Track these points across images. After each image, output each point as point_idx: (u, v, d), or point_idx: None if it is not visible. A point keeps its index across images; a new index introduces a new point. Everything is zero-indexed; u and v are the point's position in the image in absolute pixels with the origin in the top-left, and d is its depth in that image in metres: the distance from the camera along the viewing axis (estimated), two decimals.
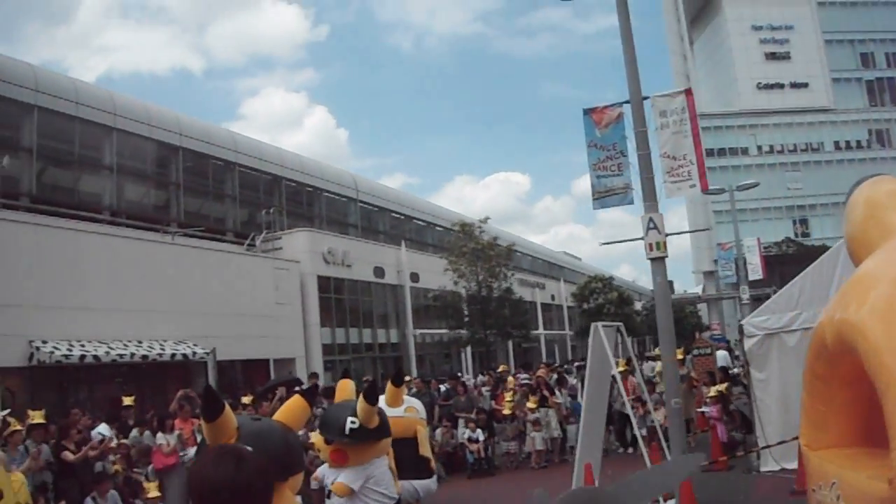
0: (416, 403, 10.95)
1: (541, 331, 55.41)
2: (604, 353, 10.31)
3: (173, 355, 24.37)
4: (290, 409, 4.78)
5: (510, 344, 43.11)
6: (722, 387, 15.50)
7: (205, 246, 29.94)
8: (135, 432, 13.34)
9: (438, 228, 51.37)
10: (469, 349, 36.98)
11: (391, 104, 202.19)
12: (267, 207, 36.18)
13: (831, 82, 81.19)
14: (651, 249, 10.89)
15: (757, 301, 73.37)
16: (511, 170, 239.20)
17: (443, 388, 19.04)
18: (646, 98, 11.45)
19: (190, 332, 25.68)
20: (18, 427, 11.06)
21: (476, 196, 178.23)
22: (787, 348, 12.82)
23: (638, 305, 62.55)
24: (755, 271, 29.51)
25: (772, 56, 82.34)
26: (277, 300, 30.68)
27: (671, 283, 63.90)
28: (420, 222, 51.18)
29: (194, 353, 25.12)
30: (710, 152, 79.61)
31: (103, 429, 13.11)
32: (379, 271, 38.03)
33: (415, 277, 40.66)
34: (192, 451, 12.91)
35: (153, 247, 26.77)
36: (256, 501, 2.51)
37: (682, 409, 11.20)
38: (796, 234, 74.23)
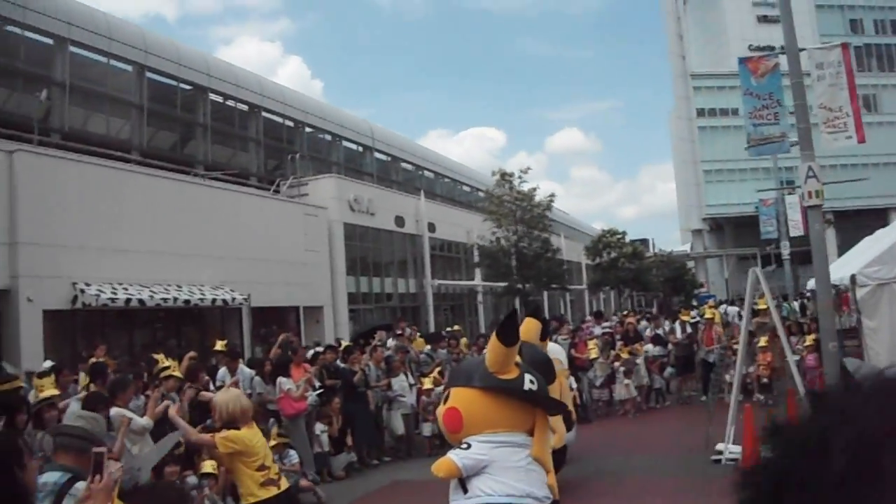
0: (559, 352, 10.45)
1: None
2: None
3: (214, 300, 24.12)
4: (528, 329, 5.94)
5: (545, 295, 43.26)
6: (813, 336, 15.72)
7: (237, 189, 29.56)
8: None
9: (446, 180, 51.39)
10: (518, 299, 36.74)
11: (366, 57, 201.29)
12: (289, 153, 35.90)
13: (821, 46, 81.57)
14: (810, 197, 10.98)
15: (744, 259, 73.68)
16: (486, 125, 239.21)
17: None
18: (802, 50, 11.49)
19: (227, 276, 25.27)
20: (174, 371, 10.79)
21: (450, 150, 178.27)
22: None
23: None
24: (796, 227, 29.64)
25: (764, 19, 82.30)
26: (307, 247, 30.39)
27: (651, 240, 63.88)
28: (431, 173, 51.14)
29: (233, 299, 24.91)
30: (700, 112, 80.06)
31: (223, 374, 12.61)
32: (400, 220, 37.83)
33: (431, 228, 40.53)
34: (314, 395, 12.90)
35: (188, 188, 26.21)
36: None
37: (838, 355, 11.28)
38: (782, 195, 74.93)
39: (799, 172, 11.05)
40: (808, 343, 15.62)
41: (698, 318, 19.47)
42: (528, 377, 4.79)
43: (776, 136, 11.70)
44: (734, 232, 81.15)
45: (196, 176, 29.15)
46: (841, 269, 17.83)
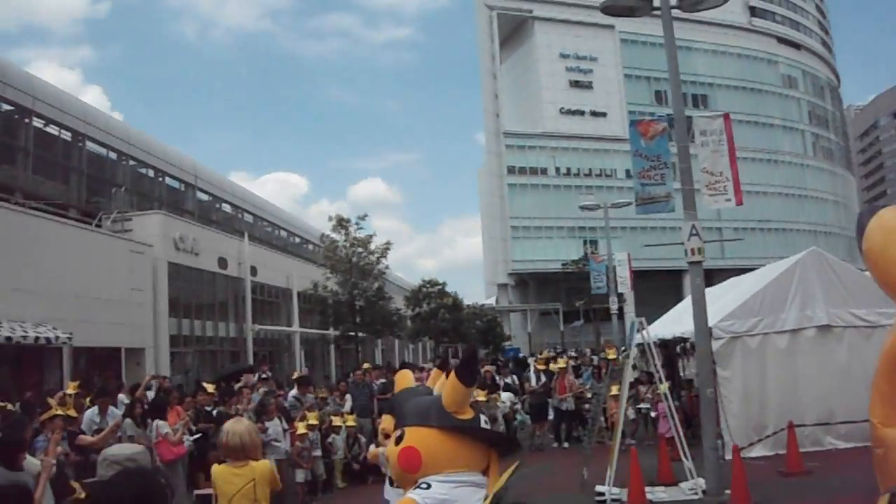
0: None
1: None
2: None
3: (36, 339, 22.61)
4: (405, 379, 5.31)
5: (396, 343, 43.02)
6: (666, 385, 16.43)
7: (61, 221, 28.01)
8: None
9: (265, 223, 50.66)
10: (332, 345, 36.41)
11: (170, 92, 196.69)
12: (112, 187, 34.43)
13: (627, 114, 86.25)
14: (693, 254, 11.58)
15: (545, 315, 75.97)
16: (289, 170, 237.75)
17: (377, 382, 18.90)
18: (688, 117, 12.19)
19: (48, 314, 23.68)
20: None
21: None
22: (749, 350, 14.49)
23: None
24: (624, 284, 30.99)
25: (576, 84, 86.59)
26: (132, 285, 29.11)
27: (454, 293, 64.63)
28: (251, 216, 50.20)
29: (57, 338, 23.38)
30: (511, 170, 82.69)
31: (92, 414, 11.92)
32: (223, 262, 36.87)
33: (253, 271, 39.71)
34: (190, 439, 12.34)
35: (7, 216, 24.30)
36: None
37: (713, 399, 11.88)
38: (586, 254, 78.04)
39: (682, 231, 11.63)
40: (660, 391, 16.29)
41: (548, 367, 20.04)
42: (482, 417, 4.80)
43: (662, 196, 12.31)
44: (537, 287, 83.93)
45: (16, 204, 27.38)
46: (673, 324, 18.94)
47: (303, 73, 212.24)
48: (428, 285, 52.81)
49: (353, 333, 35.60)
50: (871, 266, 12.05)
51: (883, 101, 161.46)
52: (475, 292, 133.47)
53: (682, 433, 12.25)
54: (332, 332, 37.30)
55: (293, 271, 43.51)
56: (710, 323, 14.04)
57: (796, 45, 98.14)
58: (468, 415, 4.72)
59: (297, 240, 56.26)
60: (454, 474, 4.55)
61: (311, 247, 57.09)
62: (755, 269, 21.09)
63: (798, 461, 12.45)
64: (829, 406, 13.93)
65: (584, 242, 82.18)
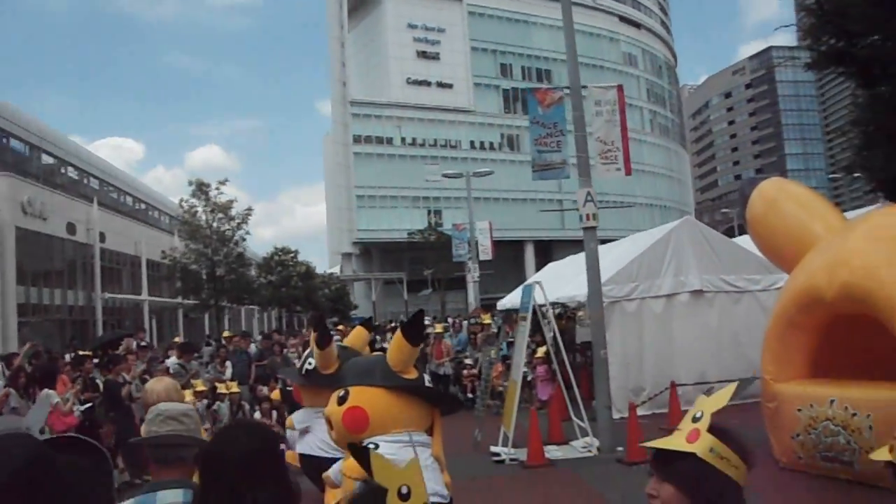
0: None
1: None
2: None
3: None
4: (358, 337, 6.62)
5: (242, 311, 42.10)
6: (544, 349, 16.92)
7: None
8: None
9: (111, 190, 48.88)
10: (180, 313, 35.45)
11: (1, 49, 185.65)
12: None
13: (473, 86, 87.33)
14: (588, 219, 12.03)
15: (389, 284, 76.21)
16: (124, 135, 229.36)
17: (253, 347, 18.66)
18: (584, 87, 12.58)
19: None
20: None
21: None
22: (628, 314, 15.16)
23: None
24: (485, 252, 31.58)
25: (423, 55, 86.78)
26: None
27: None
28: (97, 180, 48.22)
29: None
30: (357, 139, 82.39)
31: None
32: (71, 228, 35.41)
33: (102, 238, 38.31)
34: (79, 408, 11.85)
35: None
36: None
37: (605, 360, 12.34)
38: (430, 224, 78.74)
39: (578, 197, 12.02)
40: (538, 355, 16.74)
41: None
42: (426, 377, 4.97)
43: (558, 162, 12.68)
44: (381, 257, 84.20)
45: None
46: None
47: (138, 35, 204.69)
48: (280, 253, 52.07)
49: (213, 302, 34.74)
50: (753, 233, 12.88)
51: (714, 82, 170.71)
52: (318, 262, 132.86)
53: (573, 394, 12.70)
54: (190, 300, 36.22)
55: (142, 238, 42.27)
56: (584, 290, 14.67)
57: (637, 25, 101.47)
58: (412, 374, 4.85)
59: (143, 206, 54.53)
60: (400, 434, 4.65)
61: (157, 213, 55.53)
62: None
63: (680, 418, 12.98)
64: (702, 367, 14.71)
65: (429, 212, 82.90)
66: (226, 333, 20.58)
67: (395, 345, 4.81)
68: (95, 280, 37.36)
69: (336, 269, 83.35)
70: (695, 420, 2.21)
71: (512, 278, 78.61)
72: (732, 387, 2.34)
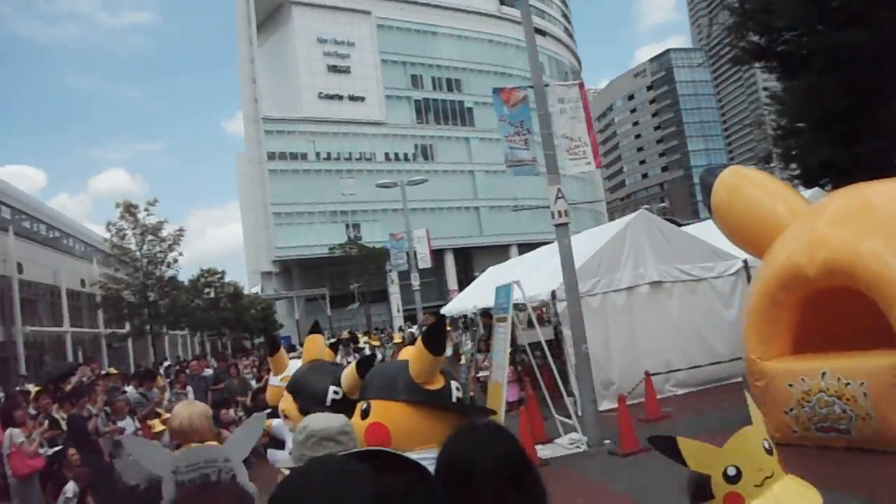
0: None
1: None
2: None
3: None
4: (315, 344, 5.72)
5: (166, 337, 41.13)
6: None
7: None
8: None
9: (24, 218, 47.53)
10: (104, 343, 34.48)
11: None
12: None
13: (385, 98, 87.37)
14: (560, 216, 12.19)
15: (311, 301, 75.47)
16: (23, 163, 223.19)
17: (209, 371, 18.40)
18: (546, 85, 12.78)
19: None
20: None
21: None
22: (592, 309, 15.02)
23: None
24: (424, 260, 31.66)
25: (334, 69, 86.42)
26: None
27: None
28: (9, 209, 46.68)
29: None
30: (271, 155, 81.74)
31: None
32: None
33: (20, 268, 37.09)
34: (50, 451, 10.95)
35: None
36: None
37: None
38: (349, 238, 78.44)
39: (547, 194, 12.17)
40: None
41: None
42: (454, 385, 4.49)
43: (528, 160, 12.84)
44: (301, 273, 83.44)
45: None
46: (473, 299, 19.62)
47: (34, 58, 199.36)
48: (207, 274, 51.17)
49: (149, 328, 33.87)
50: (719, 220, 13.21)
51: (617, 85, 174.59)
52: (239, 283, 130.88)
53: (548, 393, 12.83)
54: (116, 329, 35.13)
55: (61, 268, 41.16)
56: (554, 286, 14.84)
57: (542, 32, 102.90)
58: (437, 384, 4.38)
59: (58, 233, 53.12)
60: (425, 451, 4.28)
61: (71, 241, 54.10)
62: (512, 246, 22.11)
63: (656, 407, 13.29)
64: (666, 356, 14.99)
65: (347, 226, 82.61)
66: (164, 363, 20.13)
67: (416, 356, 4.37)
68: (14, 313, 36.06)
69: (257, 289, 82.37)
70: (728, 479, 2.09)
71: (434, 287, 79.04)
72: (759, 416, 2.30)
